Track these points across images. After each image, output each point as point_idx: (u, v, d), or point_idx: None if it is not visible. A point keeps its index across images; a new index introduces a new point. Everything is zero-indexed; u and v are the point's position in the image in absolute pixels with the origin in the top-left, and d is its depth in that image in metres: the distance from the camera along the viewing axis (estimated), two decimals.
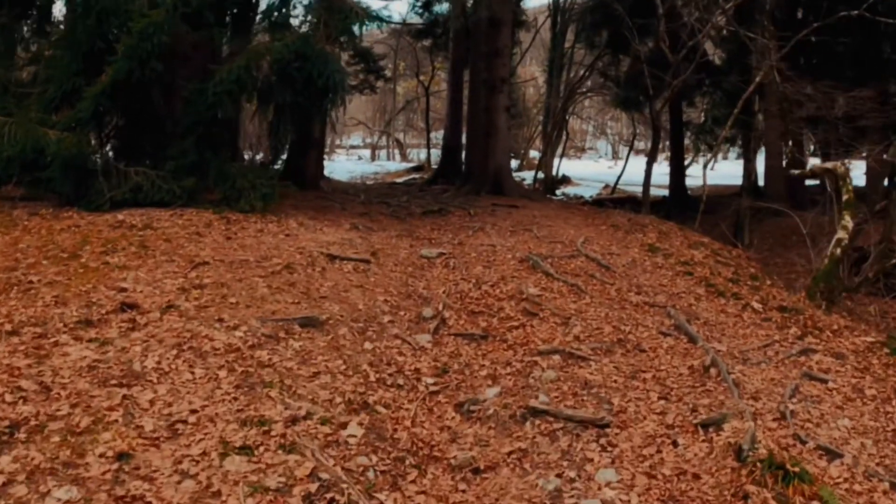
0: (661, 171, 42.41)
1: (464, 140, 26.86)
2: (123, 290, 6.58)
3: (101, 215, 9.54)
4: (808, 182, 24.73)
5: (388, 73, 32.21)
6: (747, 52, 25.77)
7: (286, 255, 8.14)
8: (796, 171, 14.67)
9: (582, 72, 32.20)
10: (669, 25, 16.78)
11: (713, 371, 6.10)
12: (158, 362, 5.10)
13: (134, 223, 9.16)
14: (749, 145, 19.76)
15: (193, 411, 4.53)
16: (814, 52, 16.83)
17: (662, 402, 5.52)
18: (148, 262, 7.55)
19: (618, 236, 11.92)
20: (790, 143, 15.39)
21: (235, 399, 4.73)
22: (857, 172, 18.91)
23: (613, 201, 26.68)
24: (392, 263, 8.95)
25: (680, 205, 24.95)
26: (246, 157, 30.92)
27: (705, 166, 17.08)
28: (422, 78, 34.70)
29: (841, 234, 9.40)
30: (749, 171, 20.08)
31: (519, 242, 10.70)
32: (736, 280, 9.87)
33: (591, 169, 39.77)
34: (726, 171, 38.30)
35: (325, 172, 28.40)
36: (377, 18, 12.23)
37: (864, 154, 24.31)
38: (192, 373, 5.02)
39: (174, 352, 5.27)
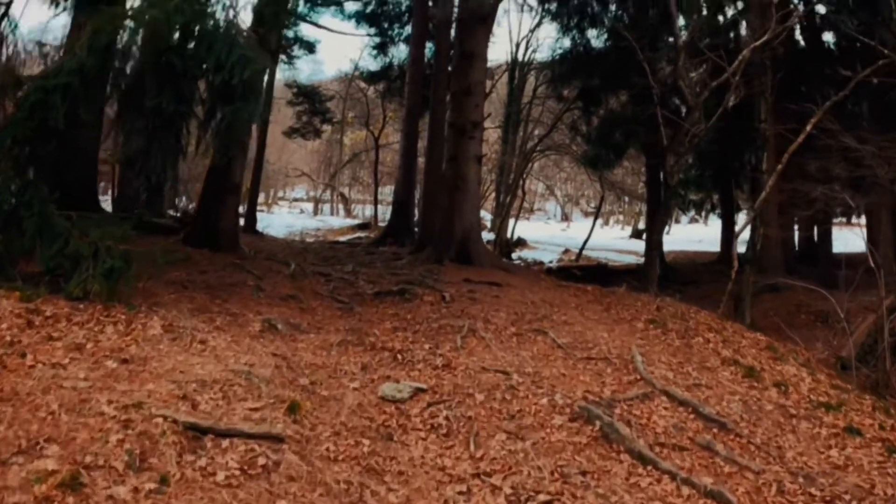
0: (615, 234, 38.65)
1: (417, 195, 22.43)
2: None
3: None
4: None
5: (335, 117, 27.42)
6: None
7: (88, 432, 3.29)
8: None
9: (543, 128, 28.26)
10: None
11: None
12: None
13: None
14: (758, 209, 15.23)
15: None
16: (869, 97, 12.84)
17: None
18: None
19: (673, 343, 7.32)
20: None
21: None
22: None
23: (582, 269, 22.36)
24: (329, 431, 4.08)
25: (658, 274, 20.51)
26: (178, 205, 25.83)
27: (739, 232, 12.62)
28: (371, 128, 30.11)
29: None
30: (755, 241, 15.59)
31: (540, 361, 6.01)
32: None
33: (543, 231, 35.56)
34: (680, 235, 34.60)
35: (261, 227, 23.59)
36: None
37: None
38: None
39: None
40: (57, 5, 9.32)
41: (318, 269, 10.90)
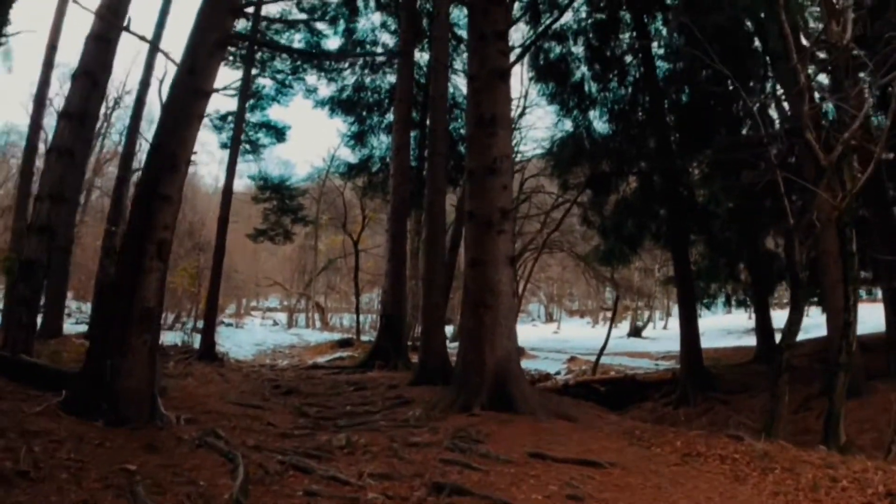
0: (614, 333, 33.79)
1: (409, 305, 17.73)
2: None
3: None
4: None
5: (309, 215, 22.75)
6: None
7: None
8: None
9: (532, 226, 24.16)
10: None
11: None
12: None
13: None
14: (849, 301, 10.34)
15: None
16: None
17: None
18: None
19: None
20: None
21: None
22: None
23: (605, 384, 17.54)
24: None
25: (699, 383, 15.58)
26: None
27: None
28: (350, 231, 25.48)
29: None
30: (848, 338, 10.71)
31: None
32: None
33: (533, 334, 30.77)
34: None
35: (224, 348, 18.48)
36: None
37: None
38: None
39: None
40: None
41: (290, 449, 6.02)
